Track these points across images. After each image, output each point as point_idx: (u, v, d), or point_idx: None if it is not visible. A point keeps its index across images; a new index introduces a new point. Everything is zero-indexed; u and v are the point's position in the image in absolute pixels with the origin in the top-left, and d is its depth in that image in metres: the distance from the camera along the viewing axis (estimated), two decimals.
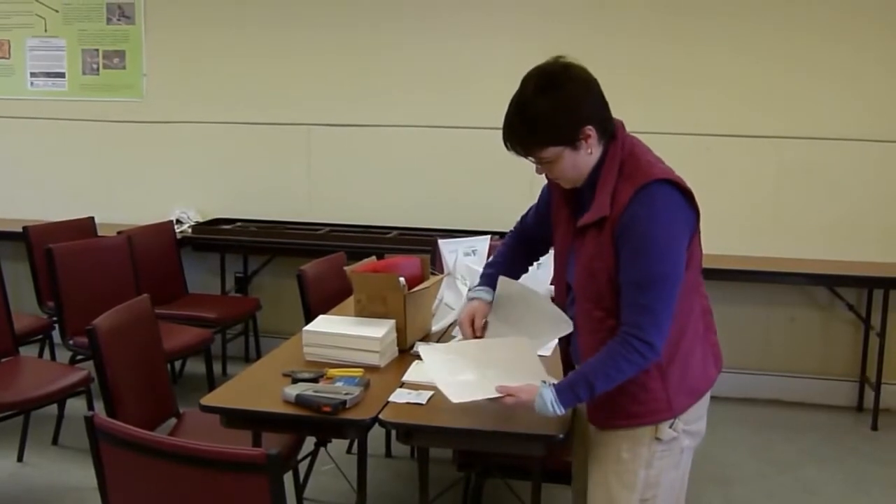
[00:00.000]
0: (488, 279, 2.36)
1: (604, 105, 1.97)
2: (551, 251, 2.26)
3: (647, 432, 2.01)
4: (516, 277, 2.41)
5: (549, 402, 1.97)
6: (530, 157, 1.99)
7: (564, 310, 2.14)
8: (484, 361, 2.21)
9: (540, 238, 2.33)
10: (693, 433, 2.07)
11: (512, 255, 2.40)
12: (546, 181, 2.18)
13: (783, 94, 4.70)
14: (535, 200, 2.34)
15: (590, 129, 1.93)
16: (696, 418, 2.07)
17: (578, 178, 2.01)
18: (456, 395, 2.12)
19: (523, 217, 2.40)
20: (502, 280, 2.31)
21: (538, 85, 1.92)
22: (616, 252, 1.92)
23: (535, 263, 2.44)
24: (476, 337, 2.28)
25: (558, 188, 2.10)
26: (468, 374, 2.20)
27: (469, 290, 2.41)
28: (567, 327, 2.12)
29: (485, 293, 2.33)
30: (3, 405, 3.40)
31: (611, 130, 1.99)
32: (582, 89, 1.93)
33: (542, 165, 2.00)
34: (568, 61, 1.95)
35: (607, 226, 1.92)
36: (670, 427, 2.01)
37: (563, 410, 1.98)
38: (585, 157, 1.96)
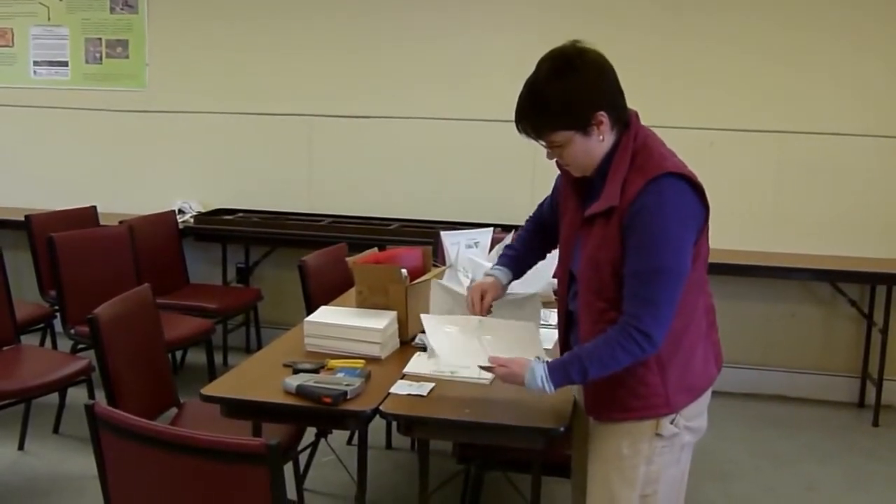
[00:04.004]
0: (507, 260, 2.39)
1: (618, 92, 1.95)
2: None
3: (648, 428, 2.00)
4: (533, 263, 2.44)
5: (540, 377, 1.97)
6: (541, 141, 1.97)
7: (566, 302, 2.14)
8: (484, 334, 2.21)
9: (556, 226, 2.33)
10: (694, 429, 2.06)
11: (531, 240, 2.42)
12: (559, 170, 2.17)
13: (786, 89, 4.68)
14: (536, 191, 2.34)
15: (602, 116, 1.91)
16: (696, 414, 2.06)
17: (589, 165, 1.99)
18: (447, 358, 2.13)
19: (540, 205, 2.41)
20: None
21: (552, 68, 1.91)
22: (622, 243, 1.90)
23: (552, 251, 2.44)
24: (480, 314, 2.28)
25: (568, 176, 2.08)
26: (465, 344, 2.21)
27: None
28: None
29: (500, 273, 2.35)
30: (5, 393, 3.41)
31: (624, 119, 1.97)
32: (596, 74, 1.92)
33: (553, 150, 1.98)
34: (584, 46, 1.94)
35: (615, 216, 1.90)
36: (671, 423, 2.00)
37: (553, 389, 1.98)
38: (597, 143, 1.95)
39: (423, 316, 2.38)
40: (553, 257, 2.35)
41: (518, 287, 2.48)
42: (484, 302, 2.29)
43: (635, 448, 2.01)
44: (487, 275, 2.38)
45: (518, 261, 2.40)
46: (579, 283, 2.03)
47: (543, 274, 2.76)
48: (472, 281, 2.91)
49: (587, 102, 1.90)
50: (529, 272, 2.47)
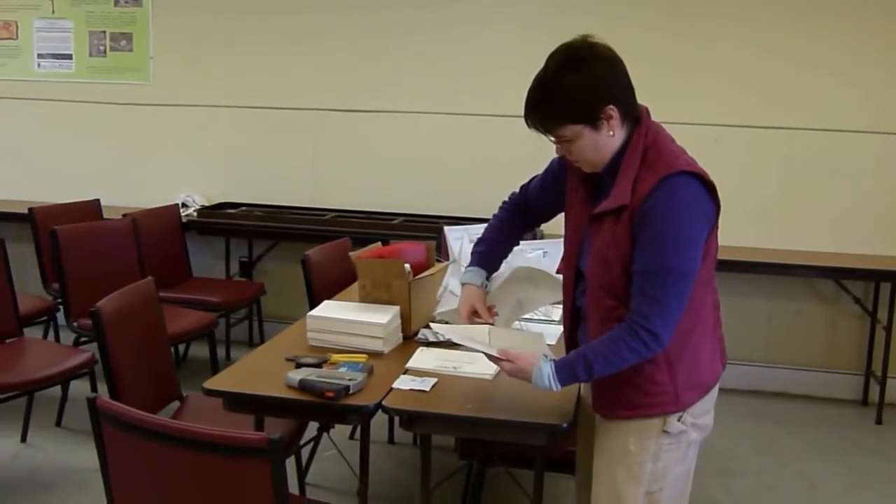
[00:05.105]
0: (478, 258, 2.36)
1: (628, 87, 1.94)
2: (559, 242, 2.24)
3: (655, 425, 1.99)
4: (507, 252, 2.41)
5: (547, 376, 1.96)
6: (550, 136, 1.96)
7: (573, 299, 2.12)
8: (494, 340, 2.21)
9: (540, 211, 2.32)
10: (701, 427, 2.05)
11: (505, 228, 2.38)
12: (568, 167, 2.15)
13: (791, 85, 4.66)
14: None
15: (612, 109, 1.90)
16: (703, 412, 2.05)
17: (599, 161, 1.97)
18: (457, 339, 2.16)
19: (524, 187, 2.37)
20: (517, 269, 2.32)
21: (562, 61, 1.90)
22: (633, 241, 1.89)
23: (534, 229, 2.42)
24: (489, 320, 2.27)
25: (576, 170, 2.07)
26: (474, 332, 2.22)
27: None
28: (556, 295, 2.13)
29: (475, 276, 2.32)
30: (8, 386, 3.41)
31: (634, 115, 1.96)
32: (606, 68, 1.90)
33: (562, 145, 1.97)
34: (594, 40, 1.93)
35: (626, 214, 1.89)
36: (679, 420, 1.99)
37: (560, 387, 1.98)
38: (607, 138, 1.93)
39: (433, 325, 2.37)
40: (555, 256, 2.34)
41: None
42: (480, 311, 2.27)
43: (642, 445, 2.00)
44: (464, 284, 2.34)
45: (491, 255, 2.37)
46: (588, 280, 2.02)
47: (546, 270, 2.75)
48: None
49: (597, 96, 1.89)
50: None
